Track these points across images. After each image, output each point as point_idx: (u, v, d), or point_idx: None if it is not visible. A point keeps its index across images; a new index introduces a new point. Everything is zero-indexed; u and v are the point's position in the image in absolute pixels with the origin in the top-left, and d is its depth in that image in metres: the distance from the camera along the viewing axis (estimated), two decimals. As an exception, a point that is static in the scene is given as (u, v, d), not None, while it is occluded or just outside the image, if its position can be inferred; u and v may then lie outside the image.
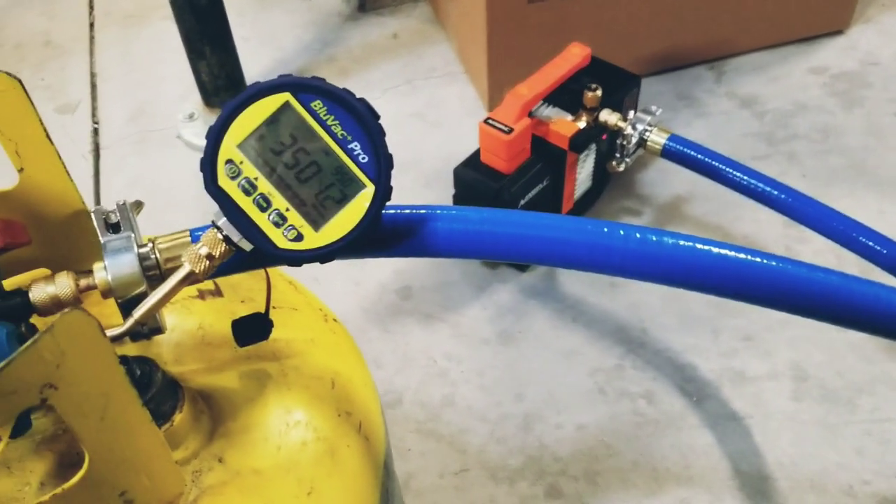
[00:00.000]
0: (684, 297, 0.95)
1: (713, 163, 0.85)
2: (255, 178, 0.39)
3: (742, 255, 0.42)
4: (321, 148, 0.39)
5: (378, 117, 0.39)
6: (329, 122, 0.39)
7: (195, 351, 0.46)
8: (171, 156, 1.16)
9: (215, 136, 0.39)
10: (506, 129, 0.86)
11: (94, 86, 1.27)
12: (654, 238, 0.42)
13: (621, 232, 0.43)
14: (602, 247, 0.43)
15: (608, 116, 0.91)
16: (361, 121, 0.39)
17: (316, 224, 0.39)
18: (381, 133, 0.39)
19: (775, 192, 0.82)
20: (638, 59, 1.13)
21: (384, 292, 0.97)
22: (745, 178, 0.83)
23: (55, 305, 0.42)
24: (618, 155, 0.94)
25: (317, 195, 0.39)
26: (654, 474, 0.81)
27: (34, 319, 0.42)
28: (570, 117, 0.92)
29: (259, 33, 1.31)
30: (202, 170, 0.39)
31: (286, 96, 0.39)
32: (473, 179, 0.90)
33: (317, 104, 0.39)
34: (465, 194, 0.93)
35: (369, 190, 0.39)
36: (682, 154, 0.87)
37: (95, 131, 1.20)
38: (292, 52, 1.29)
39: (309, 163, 0.39)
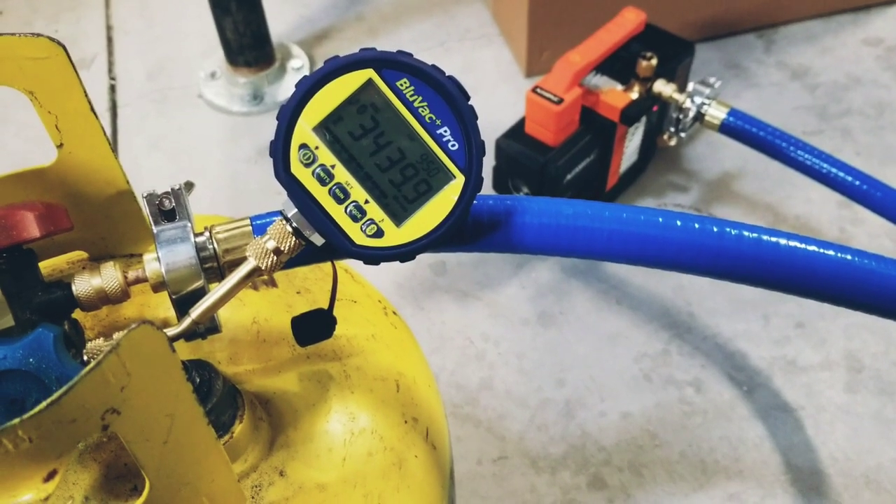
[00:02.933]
0: (733, 279, 0.90)
1: (776, 141, 0.80)
2: (332, 166, 0.34)
3: (871, 263, 0.38)
4: (406, 132, 0.34)
5: (469, 98, 0.35)
6: (416, 104, 0.34)
7: (251, 349, 0.42)
8: (193, 116, 1.10)
9: (289, 117, 0.34)
10: (556, 99, 0.81)
11: (110, 39, 1.21)
12: (771, 239, 0.38)
13: (733, 232, 0.38)
14: (711, 248, 0.38)
15: (663, 87, 0.86)
16: (452, 103, 0.35)
17: (398, 218, 0.35)
18: (474, 117, 0.35)
19: (841, 174, 0.77)
20: (685, 24, 1.08)
21: (418, 267, 0.93)
22: (810, 157, 0.79)
23: (101, 300, 0.37)
24: (672, 128, 0.89)
25: (400, 186, 0.35)
26: (703, 466, 0.78)
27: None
28: (620, 87, 0.87)
29: (284, -11, 1.25)
30: (272, 155, 0.34)
31: (369, 73, 0.34)
32: (518, 152, 0.86)
33: (403, 83, 0.34)
34: (508, 167, 0.88)
35: (458, 181, 0.35)
36: (742, 130, 0.82)
37: (112, 88, 1.15)
38: (318, 9, 1.23)
39: (392, 149, 0.34)
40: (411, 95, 0.34)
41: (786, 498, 0.76)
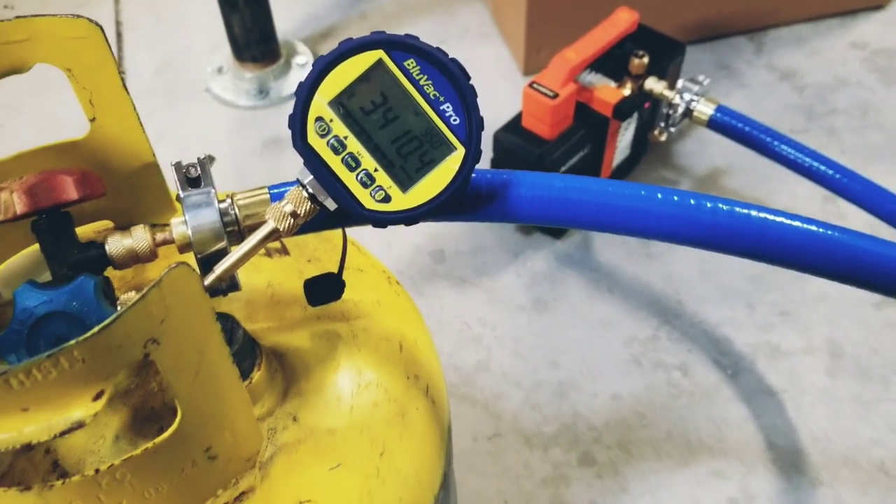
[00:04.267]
0: (721, 269, 0.94)
1: (761, 136, 0.84)
2: (345, 137, 0.38)
3: (835, 234, 0.41)
4: (412, 108, 0.38)
5: (470, 78, 0.39)
6: (422, 82, 0.38)
7: (266, 309, 0.46)
8: (200, 110, 1.14)
9: (306, 93, 0.38)
10: (551, 94, 0.85)
11: (119, 35, 1.25)
12: (743, 211, 0.42)
13: (708, 204, 0.42)
14: (690, 219, 0.42)
15: (654, 84, 0.90)
16: (454, 81, 0.38)
17: (404, 186, 0.38)
18: (474, 95, 0.38)
19: (823, 168, 0.81)
20: (678, 26, 1.12)
21: (417, 254, 0.97)
22: (794, 152, 0.82)
23: (131, 259, 0.41)
24: (662, 124, 0.93)
25: (406, 156, 0.38)
26: (688, 445, 0.81)
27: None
28: (613, 84, 0.91)
29: (289, -12, 1.29)
30: (291, 126, 0.38)
31: (379, 54, 0.38)
32: (515, 144, 0.89)
33: (410, 63, 0.38)
34: (505, 159, 0.92)
35: (459, 153, 0.38)
36: (729, 126, 0.86)
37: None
38: (323, 7, 1.27)
39: (400, 123, 0.38)
40: (417, 74, 0.38)
41: (767, 475, 0.79)
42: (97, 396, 0.30)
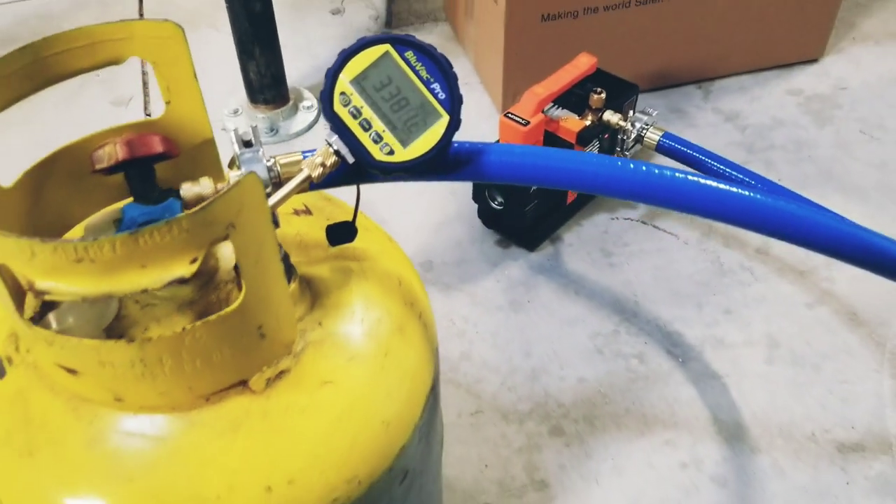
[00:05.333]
0: (673, 276, 1.08)
1: (700, 156, 0.99)
2: (361, 107, 0.52)
3: (710, 183, 0.56)
4: (410, 87, 0.52)
5: (452, 66, 0.53)
6: (417, 68, 0.52)
7: (296, 249, 0.59)
8: (218, 146, 1.28)
9: (333, 75, 0.52)
10: (523, 121, 1.00)
11: (145, 83, 1.41)
12: (667, 173, 0.56)
13: (644, 168, 0.56)
14: (626, 178, 0.56)
15: (611, 116, 1.05)
16: (441, 68, 0.53)
17: (404, 143, 0.52)
18: (455, 78, 0.53)
19: (748, 179, 0.96)
20: (636, 76, 1.27)
21: (409, 266, 1.10)
22: (728, 169, 0.97)
23: (198, 201, 0.55)
24: (618, 149, 1.08)
25: (405, 122, 0.52)
26: (644, 419, 0.94)
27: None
28: (576, 117, 1.06)
29: (296, 43, 1.45)
30: (321, 99, 0.52)
31: (387, 47, 0.52)
32: (493, 166, 1.04)
33: (409, 54, 0.52)
34: (485, 180, 1.06)
35: (445, 119, 0.53)
36: (674, 149, 1.01)
37: (146, 124, 1.33)
38: (325, 59, 1.43)
39: (401, 97, 0.52)
40: (415, 62, 0.52)
41: (713, 444, 0.92)
42: (193, 261, 0.43)
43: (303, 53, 1.44)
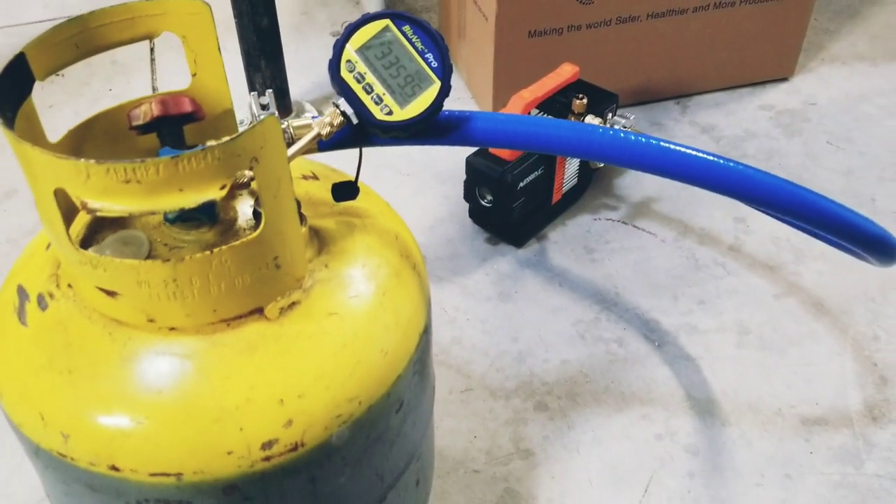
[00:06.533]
0: (651, 270, 1.16)
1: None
2: (364, 73, 0.60)
3: (671, 147, 0.64)
4: (407, 55, 0.60)
5: (444, 38, 0.61)
6: (413, 40, 0.60)
7: (305, 205, 0.66)
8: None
9: (340, 45, 0.60)
10: (510, 123, 1.08)
11: (155, 98, 1.49)
12: (631, 138, 0.64)
13: (611, 132, 0.64)
14: (595, 141, 0.64)
15: (591, 120, 1.14)
16: (434, 40, 0.61)
17: (401, 105, 0.60)
18: (446, 49, 0.61)
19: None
20: (617, 90, 1.36)
21: (404, 260, 1.17)
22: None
23: (220, 158, 0.62)
24: (599, 151, 1.16)
25: (402, 86, 0.60)
26: (622, 396, 1.01)
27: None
28: (561, 121, 1.15)
29: (299, 62, 1.55)
30: (329, 67, 0.60)
31: (387, 21, 0.60)
32: (482, 165, 1.12)
33: (406, 28, 0.60)
34: (474, 178, 1.14)
35: (437, 85, 0.61)
36: (649, 149, 1.09)
37: (156, 134, 1.41)
38: (326, 77, 1.50)
39: (399, 65, 0.60)
40: (411, 35, 0.60)
41: (686, 418, 0.98)
42: (222, 187, 0.50)
43: (305, 71, 1.53)
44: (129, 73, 1.55)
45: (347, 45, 0.60)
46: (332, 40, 1.72)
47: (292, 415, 0.55)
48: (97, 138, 0.64)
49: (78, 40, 0.59)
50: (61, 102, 1.46)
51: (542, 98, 1.13)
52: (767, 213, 0.70)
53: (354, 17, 0.61)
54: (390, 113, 0.60)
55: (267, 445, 0.54)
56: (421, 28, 0.60)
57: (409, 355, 0.63)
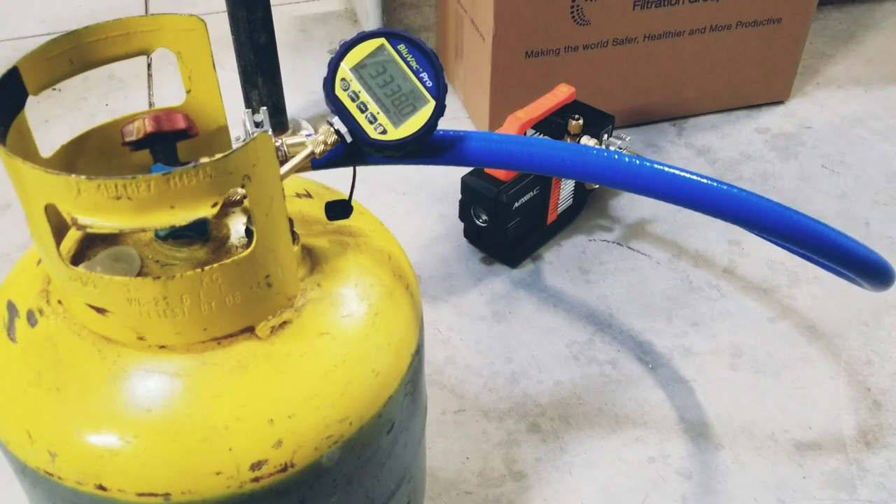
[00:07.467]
0: (644, 292, 1.16)
1: (669, 176, 1.07)
2: (359, 91, 0.60)
3: (669, 170, 0.64)
4: (402, 75, 0.60)
5: (438, 58, 0.61)
6: (408, 59, 0.60)
7: (298, 224, 0.66)
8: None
9: (335, 63, 0.60)
10: (506, 143, 1.08)
11: (151, 114, 1.49)
12: (625, 159, 0.64)
13: (605, 154, 0.64)
14: (571, 160, 0.64)
15: (587, 141, 1.14)
16: (429, 59, 0.61)
17: (395, 124, 0.60)
18: (441, 69, 0.61)
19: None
20: (614, 112, 1.37)
21: (398, 279, 1.17)
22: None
23: (214, 175, 0.62)
24: (594, 172, 1.16)
25: (397, 105, 0.60)
26: (616, 419, 1.00)
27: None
28: (556, 142, 1.15)
29: (296, 80, 1.55)
30: (324, 85, 0.60)
31: (382, 40, 0.60)
32: (478, 185, 1.12)
33: (401, 47, 0.60)
34: (470, 198, 1.14)
35: (431, 104, 0.60)
36: (644, 170, 1.09)
37: (152, 150, 1.41)
38: (322, 94, 1.52)
39: (394, 84, 0.60)
40: (406, 54, 0.60)
41: (679, 441, 0.98)
42: (213, 205, 0.50)
43: (302, 89, 1.53)
44: (126, 89, 1.55)
45: (342, 64, 0.60)
46: (329, 58, 1.72)
47: (282, 435, 0.55)
48: (90, 153, 0.63)
49: (72, 55, 0.59)
50: (57, 117, 1.46)
51: (539, 118, 1.13)
52: (762, 237, 0.70)
53: (352, 34, 0.61)
54: (384, 132, 0.60)
55: (256, 466, 0.54)
56: (416, 47, 0.60)
57: (401, 376, 0.62)
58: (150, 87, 1.55)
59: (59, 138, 0.60)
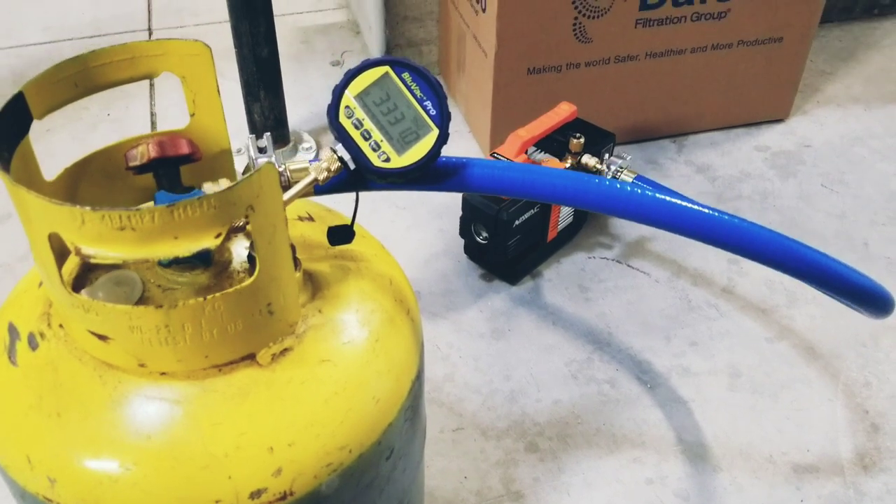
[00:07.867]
0: (643, 310, 1.16)
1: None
2: (363, 119, 0.60)
3: (667, 198, 0.64)
4: (406, 103, 0.60)
5: (442, 87, 0.61)
6: (412, 87, 0.61)
7: (300, 248, 0.66)
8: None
9: (339, 91, 0.60)
10: (507, 161, 1.09)
11: (153, 124, 1.49)
12: (627, 188, 0.64)
13: (604, 183, 0.64)
14: (572, 189, 0.64)
15: (588, 160, 1.14)
16: (433, 88, 0.61)
17: (399, 152, 0.60)
18: (445, 97, 0.61)
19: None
20: (615, 129, 1.37)
21: (397, 295, 1.17)
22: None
23: (216, 200, 0.62)
24: (595, 190, 1.17)
25: (401, 133, 0.60)
26: (614, 438, 1.00)
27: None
28: (557, 160, 1.15)
29: (298, 91, 1.55)
30: (328, 112, 0.60)
31: (386, 68, 0.60)
32: (478, 202, 1.12)
33: (406, 75, 0.61)
34: (470, 216, 1.14)
35: (434, 133, 0.61)
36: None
37: (153, 160, 1.41)
38: (325, 106, 1.51)
39: (397, 112, 0.60)
40: (410, 82, 0.61)
41: (677, 462, 0.98)
42: (217, 236, 0.50)
43: (304, 101, 1.53)
44: (127, 98, 1.55)
45: (346, 91, 0.60)
46: (332, 69, 1.73)
47: (282, 463, 0.55)
48: (94, 176, 0.63)
49: (77, 79, 0.59)
50: (59, 127, 1.46)
51: (540, 137, 1.13)
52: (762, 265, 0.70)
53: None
54: (388, 160, 0.60)
55: (255, 494, 0.54)
56: (420, 75, 0.61)
57: (401, 402, 0.62)
58: (151, 97, 1.56)
59: (61, 148, 0.60)
